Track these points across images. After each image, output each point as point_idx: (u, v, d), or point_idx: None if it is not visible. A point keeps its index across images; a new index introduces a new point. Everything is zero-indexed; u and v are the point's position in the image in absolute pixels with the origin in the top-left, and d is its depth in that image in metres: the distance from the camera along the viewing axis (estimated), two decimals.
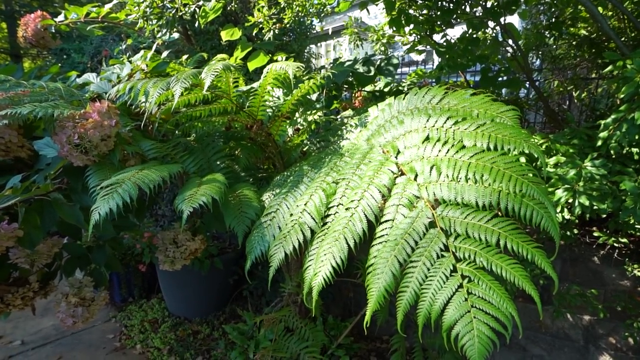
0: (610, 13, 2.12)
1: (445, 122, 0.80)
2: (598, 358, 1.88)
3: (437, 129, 0.80)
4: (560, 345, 1.97)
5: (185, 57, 1.65)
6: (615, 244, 1.62)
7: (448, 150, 0.73)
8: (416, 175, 0.74)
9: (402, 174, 0.78)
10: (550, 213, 0.56)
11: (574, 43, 2.32)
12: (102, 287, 1.41)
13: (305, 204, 0.88)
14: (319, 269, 0.72)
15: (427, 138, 0.81)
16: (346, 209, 0.78)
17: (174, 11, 1.55)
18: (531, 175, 0.60)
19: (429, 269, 0.59)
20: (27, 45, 1.69)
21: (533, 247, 0.56)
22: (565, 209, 1.35)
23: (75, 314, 1.23)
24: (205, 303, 2.63)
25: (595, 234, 1.71)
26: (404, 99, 0.99)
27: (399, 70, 4.30)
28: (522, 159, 1.52)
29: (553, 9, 2.16)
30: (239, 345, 1.90)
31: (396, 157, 0.83)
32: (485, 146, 0.69)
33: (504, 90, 2.93)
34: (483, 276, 0.56)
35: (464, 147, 0.72)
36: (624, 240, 1.57)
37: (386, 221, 0.71)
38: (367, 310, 0.64)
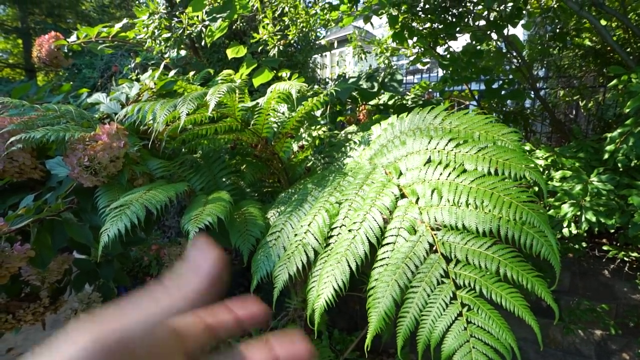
0: (615, 24, 2.12)
1: (446, 145, 0.80)
2: None
3: (439, 152, 0.80)
4: None
5: (192, 73, 1.69)
6: (625, 258, 1.60)
7: (449, 173, 0.74)
8: (417, 199, 0.75)
9: (404, 196, 0.78)
10: (550, 242, 0.56)
11: (579, 54, 2.31)
12: (110, 301, 1.43)
13: (309, 225, 0.89)
14: (322, 291, 0.72)
15: (429, 160, 0.81)
16: (349, 231, 0.79)
17: (180, 31, 1.60)
18: (530, 200, 0.61)
19: (429, 295, 0.60)
20: (42, 64, 1.75)
21: (533, 276, 0.56)
22: (573, 224, 1.33)
23: None
24: None
25: (605, 248, 1.68)
26: (406, 117, 1.00)
27: (405, 80, 4.32)
28: (527, 174, 1.52)
29: (557, 21, 2.17)
30: None
31: (398, 179, 0.84)
32: (486, 170, 0.69)
33: (510, 101, 2.92)
34: (482, 305, 0.57)
35: (465, 170, 0.73)
36: (635, 254, 1.55)
37: (387, 244, 0.72)
38: (368, 330, 0.65)
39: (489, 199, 0.63)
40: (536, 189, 1.56)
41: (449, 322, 0.57)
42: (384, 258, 0.70)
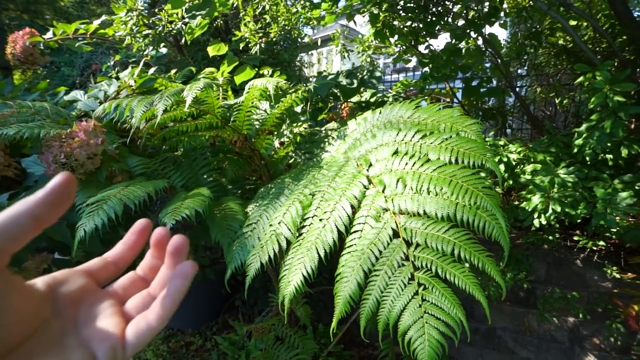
0: (586, 24, 2.20)
1: (413, 136, 0.84)
2: (583, 358, 1.91)
3: (406, 143, 0.84)
4: (547, 347, 2.00)
5: (173, 71, 1.69)
6: (594, 247, 1.67)
7: (414, 163, 0.77)
8: (384, 188, 0.78)
9: (373, 186, 0.81)
10: (500, 224, 0.60)
11: (553, 52, 2.40)
12: None
13: (282, 215, 0.91)
14: (292, 278, 0.75)
15: (396, 151, 0.85)
16: (319, 220, 0.81)
17: (160, 28, 1.60)
18: (484, 186, 0.64)
19: (389, 277, 0.63)
20: (16, 62, 1.73)
21: (484, 256, 0.59)
22: (542, 215, 1.39)
23: None
24: (197, 314, 2.64)
25: (576, 238, 1.75)
26: (378, 112, 1.04)
27: (390, 78, 4.37)
28: (502, 167, 1.57)
29: (530, 20, 2.24)
30: (231, 356, 1.91)
31: (368, 170, 0.87)
32: (448, 160, 0.73)
33: (492, 100, 3.00)
34: (437, 284, 0.60)
35: (428, 160, 0.77)
36: (602, 243, 1.62)
37: (355, 232, 0.75)
38: (334, 314, 0.68)
39: (448, 185, 0.67)
40: (510, 182, 1.62)
41: (406, 301, 0.60)
42: (352, 245, 0.73)
